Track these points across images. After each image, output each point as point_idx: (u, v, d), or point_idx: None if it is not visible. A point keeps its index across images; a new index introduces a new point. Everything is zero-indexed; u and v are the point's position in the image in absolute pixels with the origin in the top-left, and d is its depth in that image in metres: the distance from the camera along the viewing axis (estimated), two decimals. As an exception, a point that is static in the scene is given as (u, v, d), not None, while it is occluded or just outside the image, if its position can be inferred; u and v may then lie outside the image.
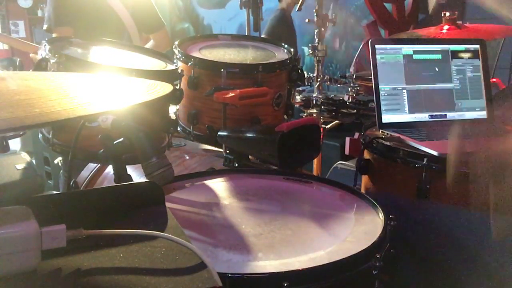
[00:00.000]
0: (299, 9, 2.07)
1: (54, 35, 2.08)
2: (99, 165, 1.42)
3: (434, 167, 1.13)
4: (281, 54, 1.50)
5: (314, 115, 1.84)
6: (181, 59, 1.36)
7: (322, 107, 1.84)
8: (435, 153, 1.14)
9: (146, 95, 0.60)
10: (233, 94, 1.23)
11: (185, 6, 6.57)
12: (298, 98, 1.90)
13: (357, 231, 0.83)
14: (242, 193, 1.01)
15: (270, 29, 3.88)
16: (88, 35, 2.00)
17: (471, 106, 1.44)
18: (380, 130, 1.35)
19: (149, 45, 2.29)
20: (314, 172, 2.08)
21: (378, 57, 1.38)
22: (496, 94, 1.65)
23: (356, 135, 1.98)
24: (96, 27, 2.04)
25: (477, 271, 0.90)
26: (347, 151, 2.06)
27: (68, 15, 2.03)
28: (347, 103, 1.81)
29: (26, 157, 1.64)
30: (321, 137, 1.68)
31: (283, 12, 4.03)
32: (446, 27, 1.85)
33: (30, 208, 0.52)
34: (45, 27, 2.11)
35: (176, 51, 1.39)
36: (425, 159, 1.14)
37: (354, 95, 1.82)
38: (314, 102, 1.86)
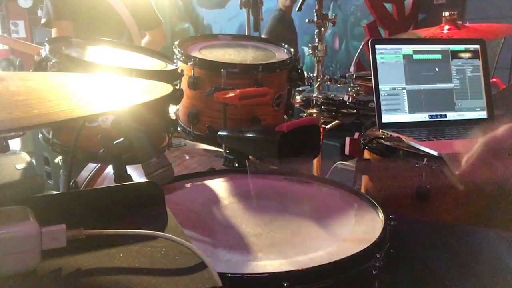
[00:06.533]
0: (299, 9, 2.06)
1: (53, 30, 2.07)
2: (99, 165, 1.42)
3: (434, 167, 1.13)
4: (281, 54, 1.50)
5: (314, 115, 1.84)
6: (181, 59, 1.36)
7: (322, 107, 1.84)
8: (435, 153, 1.14)
9: (146, 95, 0.60)
10: (233, 94, 1.23)
11: (185, 6, 6.57)
12: (298, 98, 1.89)
13: (357, 231, 0.83)
14: (242, 193, 1.01)
15: (270, 29, 3.88)
16: (88, 31, 2.00)
17: (471, 106, 1.44)
18: (380, 130, 1.35)
19: (144, 41, 2.30)
20: (314, 172, 2.08)
21: (378, 57, 1.38)
22: (496, 94, 1.65)
23: (356, 135, 1.98)
24: (96, 23, 2.04)
25: (478, 271, 0.90)
26: (347, 151, 2.06)
27: (67, 9, 2.03)
28: (347, 103, 1.81)
29: (26, 157, 1.64)
30: (321, 137, 1.68)
31: (281, 12, 4.03)
32: (446, 27, 1.85)
33: (30, 208, 0.52)
34: (43, 21, 2.10)
35: (176, 51, 1.39)
36: (425, 159, 1.14)
37: (354, 95, 1.82)
38: (314, 102, 1.86)
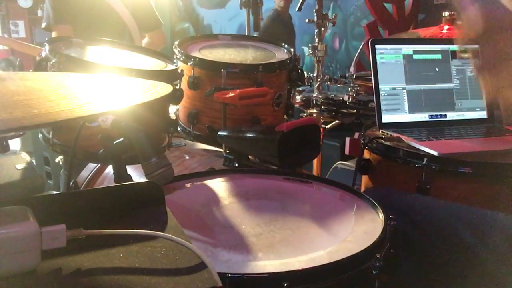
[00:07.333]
0: (299, 9, 2.06)
1: (53, 33, 2.07)
2: (99, 165, 1.42)
3: (434, 167, 1.13)
4: (281, 54, 1.50)
5: (314, 115, 1.84)
6: (181, 59, 1.36)
7: (322, 107, 1.84)
8: (435, 153, 1.14)
9: (146, 95, 0.60)
10: (233, 94, 1.23)
11: (185, 6, 6.57)
12: (298, 98, 1.89)
13: (357, 231, 0.83)
14: (242, 193, 1.01)
15: (263, 29, 3.88)
16: (88, 34, 2.00)
17: (471, 106, 1.44)
18: (380, 130, 1.35)
19: (143, 43, 2.30)
20: (314, 172, 2.08)
21: (378, 57, 1.38)
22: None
23: (356, 135, 1.98)
24: (96, 26, 2.04)
25: (478, 271, 0.90)
26: (347, 151, 2.06)
27: (67, 13, 2.03)
28: (347, 103, 1.81)
29: (26, 157, 1.63)
30: (321, 137, 1.68)
31: (277, 12, 4.03)
32: (446, 27, 1.85)
33: (30, 208, 0.52)
34: (43, 25, 2.11)
35: (176, 51, 1.39)
36: (425, 159, 1.14)
37: (354, 95, 1.82)
38: (314, 102, 1.86)
